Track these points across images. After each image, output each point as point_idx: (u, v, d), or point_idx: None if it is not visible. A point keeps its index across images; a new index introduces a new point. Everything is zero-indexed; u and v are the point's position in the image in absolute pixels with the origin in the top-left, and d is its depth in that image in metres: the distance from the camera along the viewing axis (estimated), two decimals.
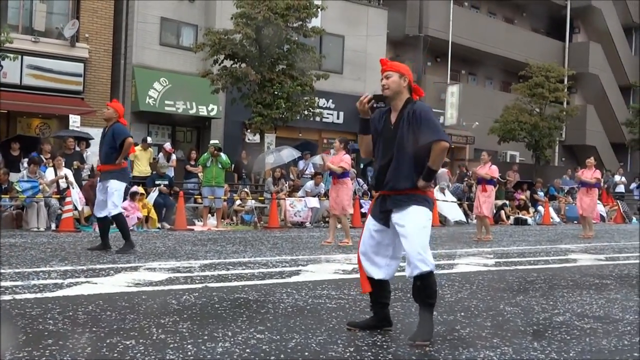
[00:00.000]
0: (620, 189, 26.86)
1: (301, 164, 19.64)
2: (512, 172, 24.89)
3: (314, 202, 16.47)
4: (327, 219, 15.84)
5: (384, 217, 4.59)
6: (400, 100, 4.58)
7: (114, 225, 9.32)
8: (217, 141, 15.93)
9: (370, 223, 4.70)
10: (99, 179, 9.38)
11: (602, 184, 16.58)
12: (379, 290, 4.71)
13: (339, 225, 12.20)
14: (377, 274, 4.65)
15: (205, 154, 15.08)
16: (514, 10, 35.24)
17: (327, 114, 24.10)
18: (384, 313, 4.76)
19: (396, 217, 4.51)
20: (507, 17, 34.97)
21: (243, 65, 18.10)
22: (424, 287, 4.43)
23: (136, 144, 14.60)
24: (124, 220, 9.31)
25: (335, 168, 11.56)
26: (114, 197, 9.02)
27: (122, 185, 9.25)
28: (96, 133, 18.47)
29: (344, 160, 11.56)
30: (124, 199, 11.65)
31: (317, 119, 20.74)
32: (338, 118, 25.06)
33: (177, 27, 22.03)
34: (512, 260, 9.87)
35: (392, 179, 4.51)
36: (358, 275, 4.93)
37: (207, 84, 18.42)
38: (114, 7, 20.90)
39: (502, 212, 20.19)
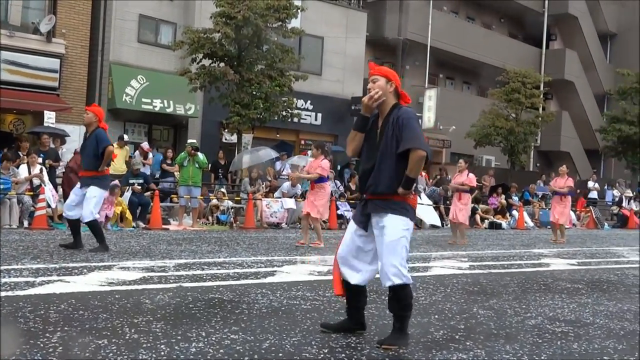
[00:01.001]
0: (593, 195, 27.18)
1: (278, 164, 19.62)
2: (488, 176, 25.08)
3: (290, 203, 16.46)
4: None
5: (364, 221, 4.58)
6: (387, 105, 4.55)
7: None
8: (194, 141, 15.87)
9: (353, 227, 4.68)
10: (79, 182, 9.24)
11: (575, 192, 16.73)
12: (356, 294, 4.70)
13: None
14: (354, 278, 4.63)
15: (183, 153, 14.99)
16: (493, 16, 35.54)
17: (305, 115, 24.09)
18: (359, 316, 4.76)
19: (374, 223, 4.50)
20: (485, 22, 35.26)
21: (222, 64, 18.03)
22: (398, 299, 4.43)
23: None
24: (98, 226, 9.19)
25: (311, 176, 11.57)
26: (91, 204, 8.88)
27: (102, 193, 9.15)
28: (71, 130, 18.38)
29: (322, 166, 11.54)
30: None
31: (295, 119, 20.75)
32: (316, 119, 25.08)
33: (156, 25, 21.89)
34: (486, 264, 9.95)
35: (373, 183, 4.49)
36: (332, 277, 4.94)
37: (185, 83, 18.31)
38: (91, 3, 20.68)
39: (477, 216, 20.33)
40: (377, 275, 4.65)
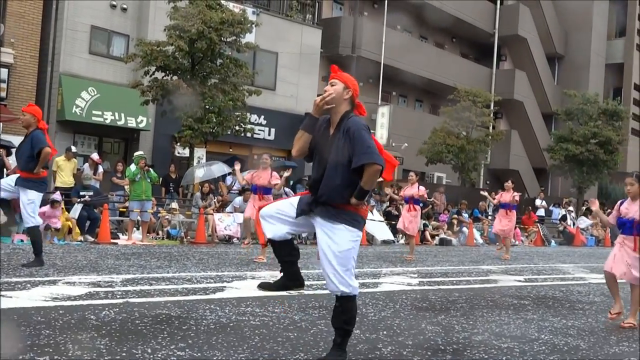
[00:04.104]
0: (541, 212, 27.73)
1: (229, 179, 19.50)
2: (439, 193, 25.38)
3: (242, 218, 16.34)
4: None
5: (305, 210, 4.46)
6: (339, 111, 4.45)
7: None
8: (142, 152, 15.62)
9: (293, 200, 4.59)
10: (15, 183, 8.96)
11: (517, 206, 16.97)
12: (281, 246, 4.59)
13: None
14: (271, 233, 4.54)
15: (134, 168, 14.68)
16: (445, 36, 36.13)
17: (259, 130, 24.07)
18: (293, 270, 4.65)
19: (321, 229, 4.41)
20: (437, 42, 35.82)
21: (175, 77, 17.91)
22: (343, 310, 4.38)
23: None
24: (38, 234, 8.93)
25: (282, 182, 11.58)
26: (29, 209, 8.63)
27: (38, 196, 8.85)
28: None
29: (274, 176, 11.55)
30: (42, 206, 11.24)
31: (248, 134, 20.69)
32: (269, 134, 25.06)
33: (108, 36, 21.62)
34: (436, 280, 10.05)
35: (324, 192, 4.39)
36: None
37: (137, 95, 18.11)
38: (42, 12, 20.33)
39: (427, 232, 20.56)
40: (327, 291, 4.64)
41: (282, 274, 4.68)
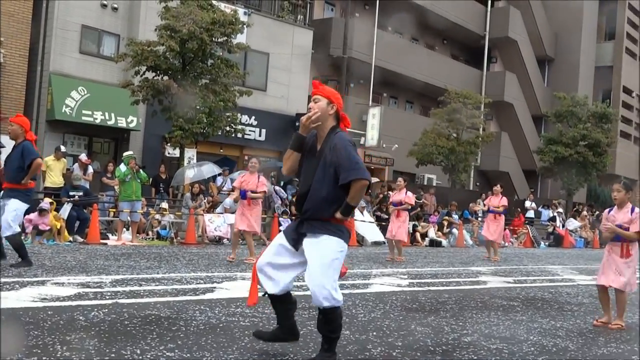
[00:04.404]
0: (530, 214, 27.86)
1: (219, 180, 19.48)
2: (429, 194, 25.45)
3: (232, 218, 16.32)
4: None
5: (295, 239, 4.50)
6: (325, 127, 4.46)
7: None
8: (131, 152, 15.56)
9: (281, 239, 4.60)
10: (1, 195, 8.92)
11: (507, 211, 17.04)
12: (280, 302, 4.62)
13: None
14: (272, 288, 4.53)
15: (125, 168, 14.62)
16: (436, 38, 36.23)
17: (249, 130, 24.04)
18: (290, 324, 4.69)
19: (307, 243, 4.42)
20: (428, 43, 35.91)
21: (165, 77, 17.87)
22: (327, 321, 4.37)
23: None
24: (18, 241, 8.82)
25: (257, 196, 11.55)
26: (9, 216, 8.49)
27: (22, 206, 8.74)
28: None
29: (262, 182, 11.58)
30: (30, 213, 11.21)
31: (239, 135, 20.66)
32: (260, 135, 25.03)
33: (99, 36, 21.53)
34: (425, 281, 10.07)
35: (310, 207, 4.41)
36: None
37: (127, 95, 18.05)
38: (32, 11, 20.22)
39: (417, 233, 20.61)
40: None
41: (278, 325, 4.72)
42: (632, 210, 6.84)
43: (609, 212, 7.10)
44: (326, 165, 4.38)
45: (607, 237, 7.09)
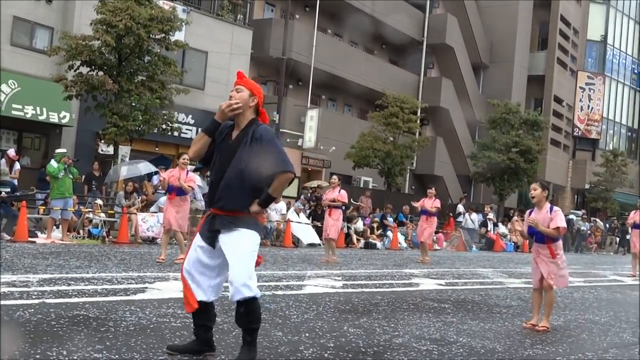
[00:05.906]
0: (462, 218, 28.38)
1: (155, 179, 19.18)
2: (365, 197, 25.68)
3: None
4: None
5: (211, 237, 4.46)
6: (244, 118, 4.48)
7: None
8: (65, 150, 15.16)
9: (198, 241, 4.54)
10: None
11: (438, 213, 17.40)
12: (203, 312, 4.54)
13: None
14: (201, 295, 4.49)
15: (57, 164, 14.19)
16: (375, 42, 36.57)
17: (186, 129, 23.75)
18: (207, 337, 4.63)
19: (223, 239, 4.39)
20: (367, 47, 36.21)
21: (100, 73, 17.49)
22: (248, 312, 4.33)
23: None
24: None
25: (186, 187, 11.32)
26: None
27: None
28: None
29: (191, 178, 11.41)
30: None
31: (176, 133, 20.41)
32: (197, 134, 24.74)
33: (32, 28, 20.92)
34: (359, 283, 10.15)
35: (222, 197, 4.38)
36: None
37: (60, 90, 17.60)
38: None
39: (353, 235, 20.76)
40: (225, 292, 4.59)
41: (195, 337, 4.63)
42: (551, 210, 7.13)
43: (530, 213, 7.35)
44: (244, 154, 4.38)
45: (524, 235, 7.47)
